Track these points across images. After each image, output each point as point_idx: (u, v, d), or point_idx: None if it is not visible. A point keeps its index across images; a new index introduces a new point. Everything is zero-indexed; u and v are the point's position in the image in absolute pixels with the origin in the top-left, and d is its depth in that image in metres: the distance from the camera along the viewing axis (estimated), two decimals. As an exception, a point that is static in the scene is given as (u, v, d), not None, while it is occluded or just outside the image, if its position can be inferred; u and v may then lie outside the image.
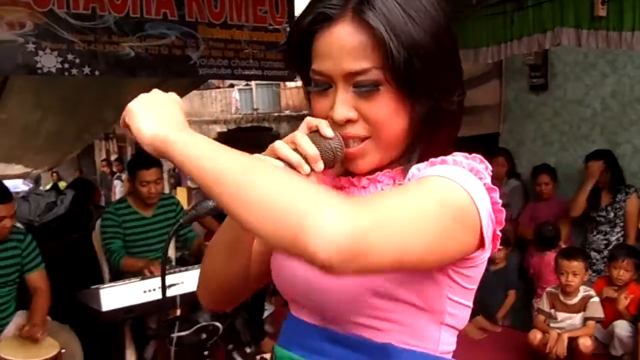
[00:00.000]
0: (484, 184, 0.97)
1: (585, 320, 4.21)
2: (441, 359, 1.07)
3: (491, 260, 5.25)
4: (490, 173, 1.01)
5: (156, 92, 1.02)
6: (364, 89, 1.00)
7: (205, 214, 1.16)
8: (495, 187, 0.98)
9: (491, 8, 4.83)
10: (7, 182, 11.24)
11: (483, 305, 5.19)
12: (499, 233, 1.00)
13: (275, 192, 0.80)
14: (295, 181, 0.83)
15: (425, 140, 1.05)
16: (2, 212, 3.44)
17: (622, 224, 5.00)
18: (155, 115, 0.95)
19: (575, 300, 4.26)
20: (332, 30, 0.99)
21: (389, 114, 1.01)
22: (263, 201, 0.79)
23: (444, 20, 1.01)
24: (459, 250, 0.94)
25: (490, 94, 6.36)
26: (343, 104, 1.02)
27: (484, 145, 6.11)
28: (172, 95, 1.03)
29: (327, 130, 1.02)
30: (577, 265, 4.22)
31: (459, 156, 1.02)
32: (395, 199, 0.87)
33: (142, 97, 1.01)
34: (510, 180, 5.89)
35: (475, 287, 1.07)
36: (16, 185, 11.80)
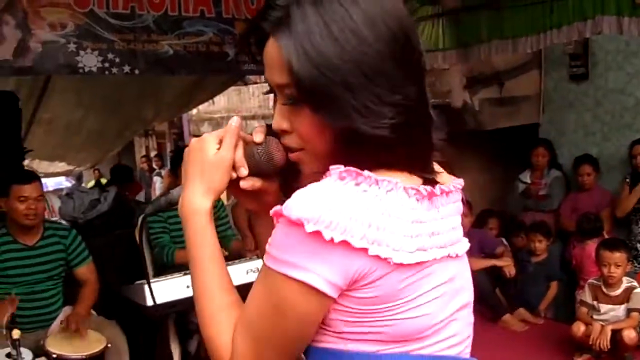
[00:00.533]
0: (326, 239, 0.90)
1: (629, 311, 4.17)
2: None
3: (532, 252, 5.27)
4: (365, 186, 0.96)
5: (202, 152, 1.11)
6: (289, 102, 1.03)
7: (167, 206, 1.27)
8: (340, 234, 0.91)
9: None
10: (50, 180, 11.44)
11: (524, 297, 5.19)
12: (377, 254, 0.93)
13: (204, 328, 1.08)
14: (213, 323, 1.07)
15: (352, 162, 0.99)
16: (26, 192, 3.46)
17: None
18: (187, 187, 1.13)
19: (618, 291, 4.23)
20: (269, 41, 1.03)
21: (310, 130, 1.02)
22: (201, 328, 1.09)
23: (381, 42, 0.97)
24: (309, 319, 0.98)
25: (529, 84, 6.31)
26: (277, 115, 1.07)
27: (523, 136, 6.10)
28: (220, 158, 1.10)
29: (255, 136, 1.11)
30: (619, 256, 4.18)
31: (319, 203, 0.93)
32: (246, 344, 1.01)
33: (192, 156, 1.13)
34: (551, 171, 5.85)
35: (385, 305, 0.98)
36: (59, 182, 12.06)
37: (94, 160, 9.87)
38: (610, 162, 5.57)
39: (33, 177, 3.67)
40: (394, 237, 0.94)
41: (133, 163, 12.97)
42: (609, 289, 4.25)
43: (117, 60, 4.74)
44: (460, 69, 6.54)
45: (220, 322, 1.06)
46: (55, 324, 3.57)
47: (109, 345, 3.44)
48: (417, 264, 0.98)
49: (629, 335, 4.03)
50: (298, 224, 0.91)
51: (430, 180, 1.05)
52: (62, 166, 10.14)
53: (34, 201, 3.51)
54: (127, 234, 4.79)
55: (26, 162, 6.08)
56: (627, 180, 5.18)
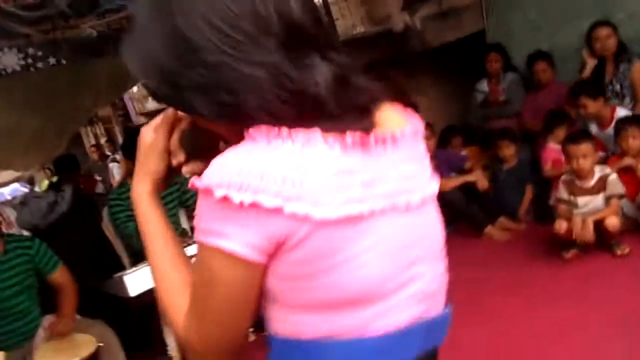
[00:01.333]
0: (236, 203, 0.91)
1: (608, 199, 4.26)
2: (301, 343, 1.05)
3: (502, 160, 5.33)
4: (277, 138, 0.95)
5: (141, 142, 1.20)
6: None
7: None
8: (257, 200, 0.90)
9: None
10: (4, 189, 11.14)
11: (503, 205, 5.26)
12: (294, 211, 0.91)
13: (164, 309, 1.12)
14: (170, 304, 1.11)
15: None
16: None
17: (630, 94, 4.98)
18: (134, 176, 1.22)
19: (593, 182, 4.31)
20: None
21: (204, 122, 1.07)
22: (157, 287, 1.15)
23: (188, 27, 0.95)
24: (246, 285, 0.99)
25: (468, -8, 6.28)
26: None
27: (472, 46, 6.10)
28: (153, 144, 1.19)
29: (183, 122, 1.18)
30: (585, 147, 4.26)
31: (230, 169, 0.93)
32: (194, 308, 1.05)
33: (137, 147, 1.21)
34: (507, 75, 5.89)
35: (322, 265, 0.98)
36: (15, 189, 11.83)
37: (42, 160, 9.63)
38: (563, 54, 5.58)
39: None
40: (313, 192, 0.92)
41: (84, 155, 12.77)
42: (583, 182, 4.34)
43: (39, 53, 4.66)
44: (395, -9, 6.50)
45: (173, 303, 1.10)
46: (39, 337, 3.55)
47: (101, 344, 3.44)
48: (349, 218, 0.95)
49: (611, 222, 4.09)
50: (209, 192, 0.92)
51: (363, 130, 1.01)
52: (10, 174, 9.95)
53: None
54: (93, 228, 4.76)
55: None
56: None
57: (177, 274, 1.12)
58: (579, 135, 4.44)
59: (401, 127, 1.08)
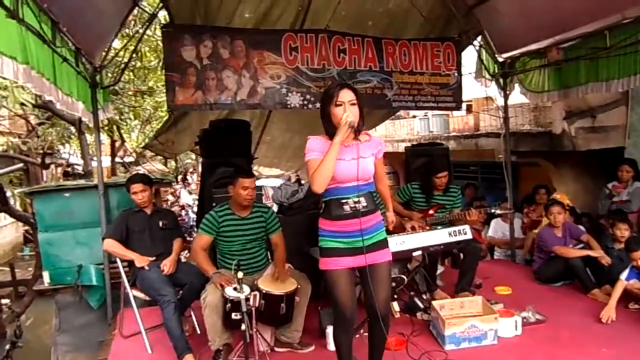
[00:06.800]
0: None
1: None
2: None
3: (616, 240, 4.54)
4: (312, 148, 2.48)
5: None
6: None
7: None
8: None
9: (623, 49, 4.18)
10: (270, 180, 11.92)
11: (611, 276, 4.48)
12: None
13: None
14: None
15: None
16: (248, 183, 3.48)
17: None
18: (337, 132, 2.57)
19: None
20: None
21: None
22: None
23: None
24: None
25: (617, 117, 5.57)
26: None
27: (609, 156, 5.37)
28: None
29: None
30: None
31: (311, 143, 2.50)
32: None
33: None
34: (634, 183, 5.10)
35: None
36: (279, 181, 12.58)
37: (297, 167, 10.21)
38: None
39: (252, 175, 3.66)
40: (315, 150, 2.46)
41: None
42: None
43: (312, 99, 4.84)
44: (560, 105, 5.91)
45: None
46: (264, 272, 3.57)
47: (299, 287, 3.43)
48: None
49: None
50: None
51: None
52: (276, 171, 10.59)
53: (251, 190, 3.52)
54: (314, 213, 4.81)
55: (254, 167, 6.36)
56: None
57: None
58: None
59: (361, 140, 2.49)
